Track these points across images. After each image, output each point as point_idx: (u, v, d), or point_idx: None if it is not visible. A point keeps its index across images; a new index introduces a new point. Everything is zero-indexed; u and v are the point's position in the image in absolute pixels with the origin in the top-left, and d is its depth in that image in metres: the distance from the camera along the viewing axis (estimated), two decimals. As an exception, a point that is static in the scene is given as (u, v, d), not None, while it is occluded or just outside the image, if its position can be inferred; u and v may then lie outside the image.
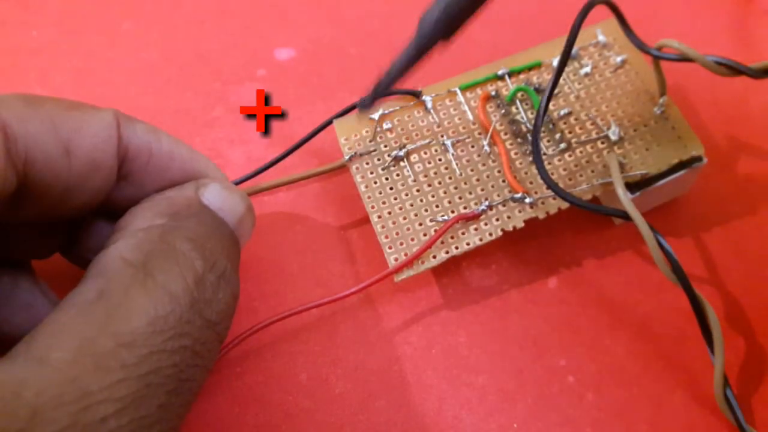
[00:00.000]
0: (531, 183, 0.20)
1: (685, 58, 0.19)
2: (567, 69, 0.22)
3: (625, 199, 0.19)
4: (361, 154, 0.21)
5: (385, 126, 0.21)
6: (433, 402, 0.20)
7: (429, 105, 0.22)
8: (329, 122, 0.22)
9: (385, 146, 0.21)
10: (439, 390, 0.20)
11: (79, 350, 0.11)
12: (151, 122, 0.23)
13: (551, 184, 0.19)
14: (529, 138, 0.21)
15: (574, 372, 0.20)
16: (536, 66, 0.22)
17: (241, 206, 0.17)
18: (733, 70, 0.18)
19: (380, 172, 0.21)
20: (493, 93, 0.22)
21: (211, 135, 0.24)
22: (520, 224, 0.20)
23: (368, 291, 0.21)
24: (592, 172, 0.20)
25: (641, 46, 0.20)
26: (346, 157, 0.21)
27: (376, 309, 0.21)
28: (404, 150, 0.21)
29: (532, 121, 0.21)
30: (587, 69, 0.22)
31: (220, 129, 0.24)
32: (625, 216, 0.19)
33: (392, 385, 0.20)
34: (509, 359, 0.20)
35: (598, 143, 0.21)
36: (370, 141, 0.21)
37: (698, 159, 0.20)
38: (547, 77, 0.22)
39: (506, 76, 0.22)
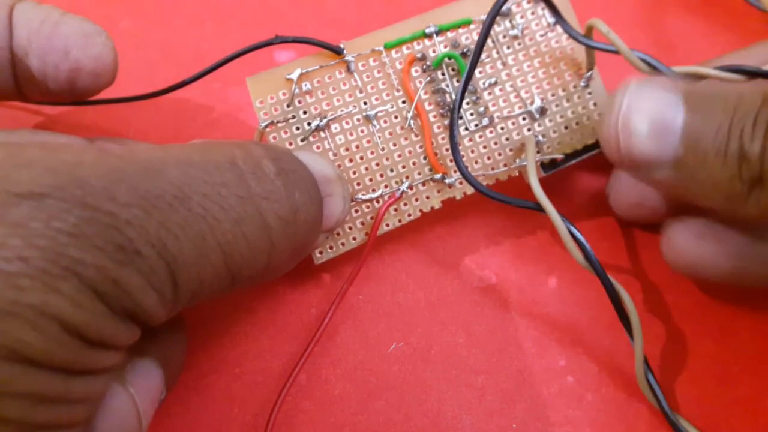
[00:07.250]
0: (452, 161, 0.20)
1: (609, 49, 0.18)
2: (497, 29, 0.20)
3: (538, 190, 0.18)
4: (278, 122, 0.19)
5: (304, 87, 0.19)
6: (432, 402, 0.20)
7: (352, 67, 0.20)
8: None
9: (305, 113, 0.19)
10: (438, 390, 0.20)
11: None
12: (150, 122, 0.23)
13: (465, 173, 0.18)
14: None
15: (574, 372, 0.20)
16: (466, 23, 0.20)
17: (328, 169, 0.18)
18: (656, 69, 0.17)
19: (299, 143, 0.19)
20: (419, 55, 0.20)
21: (211, 135, 0.24)
22: (438, 205, 0.20)
23: (367, 291, 0.21)
24: (511, 151, 0.20)
25: (569, 31, 0.19)
26: (262, 125, 0.19)
27: (375, 309, 0.21)
28: (325, 120, 0.19)
29: (458, 91, 0.20)
30: (517, 31, 0.20)
31: (220, 129, 0.24)
32: (538, 207, 0.18)
33: (392, 385, 0.20)
34: (509, 359, 0.20)
35: (520, 119, 0.20)
36: (288, 105, 0.19)
37: None
38: (476, 38, 0.20)
39: (434, 35, 0.20)
